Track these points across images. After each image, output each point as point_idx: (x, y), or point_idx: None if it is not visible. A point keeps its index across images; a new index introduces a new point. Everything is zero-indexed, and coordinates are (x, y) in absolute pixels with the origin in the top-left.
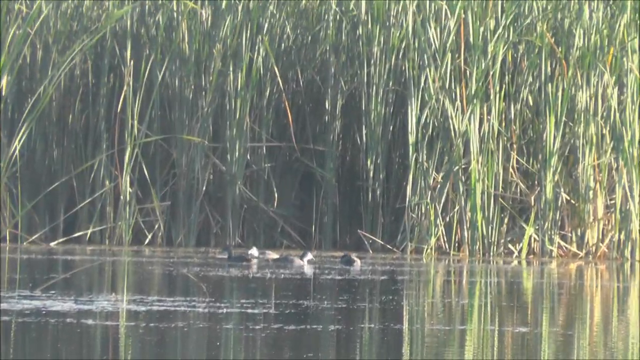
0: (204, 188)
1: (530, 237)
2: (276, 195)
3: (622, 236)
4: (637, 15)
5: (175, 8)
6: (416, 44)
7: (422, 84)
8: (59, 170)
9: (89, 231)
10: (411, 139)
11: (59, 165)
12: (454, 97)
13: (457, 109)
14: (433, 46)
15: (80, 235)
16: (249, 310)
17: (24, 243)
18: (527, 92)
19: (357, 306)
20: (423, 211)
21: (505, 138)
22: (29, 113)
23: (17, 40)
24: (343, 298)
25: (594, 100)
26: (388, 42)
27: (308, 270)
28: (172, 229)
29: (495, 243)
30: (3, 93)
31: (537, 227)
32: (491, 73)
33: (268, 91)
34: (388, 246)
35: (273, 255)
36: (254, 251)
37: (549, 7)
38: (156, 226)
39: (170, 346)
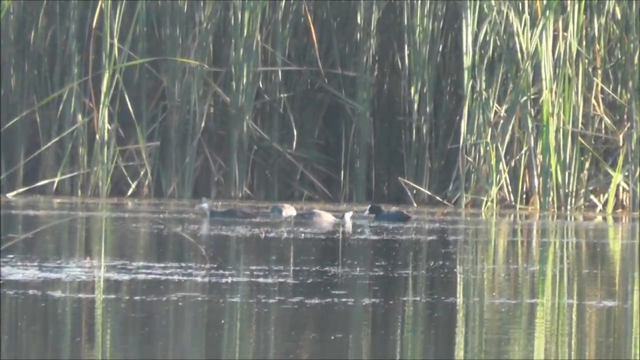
0: (203, 125)
1: (618, 186)
2: (295, 133)
3: None
4: None
5: None
6: None
7: None
8: (17, 102)
9: (56, 179)
10: (466, 61)
11: (17, 96)
12: (520, 8)
13: (524, 24)
14: None
15: (45, 185)
16: (261, 280)
17: None
18: (614, 2)
19: (398, 274)
20: (481, 153)
21: (586, 61)
22: None
23: None
24: (380, 264)
25: None
26: None
27: (349, 227)
28: (162, 177)
29: (574, 194)
30: None
31: (626, 174)
32: None
33: (284, 1)
34: (437, 198)
35: (289, 210)
36: (204, 204)
37: None
38: (142, 173)
39: (160, 326)
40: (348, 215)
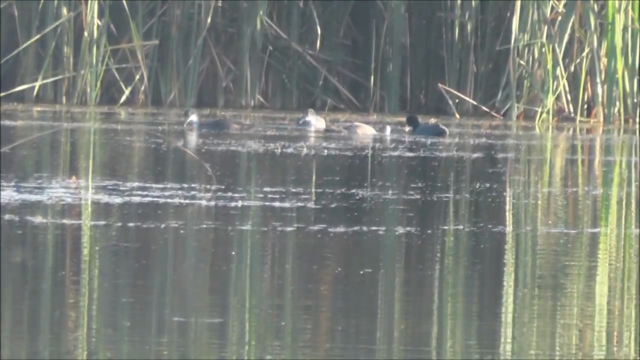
0: (209, 20)
1: None
2: (317, 31)
3: None
4: None
5: None
6: None
7: None
8: None
9: (37, 84)
10: None
11: None
12: None
13: None
14: None
15: (24, 90)
16: (277, 204)
17: None
18: None
19: (437, 198)
20: (536, 56)
21: None
22: None
23: None
24: (416, 186)
25: None
26: None
27: (388, 141)
28: (161, 82)
29: None
30: None
31: None
32: None
33: None
34: (483, 108)
35: (318, 120)
36: (192, 116)
37: None
38: (137, 77)
39: (158, 257)
40: (389, 129)
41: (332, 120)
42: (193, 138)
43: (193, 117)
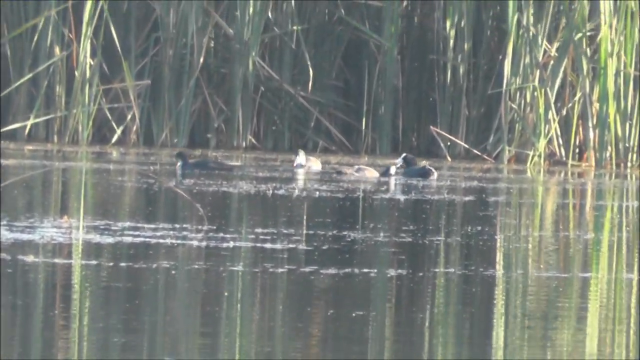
0: (201, 61)
1: None
2: (310, 73)
3: None
4: None
5: None
6: None
7: None
8: None
9: (29, 123)
10: None
11: None
12: None
13: None
14: None
15: (15, 129)
16: (268, 245)
17: None
18: None
19: (429, 241)
20: (528, 100)
21: None
22: None
23: None
24: (408, 228)
25: None
26: None
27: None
28: (154, 122)
29: (636, 149)
30: None
31: None
32: None
33: None
34: (475, 151)
35: (315, 163)
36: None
37: None
38: (129, 117)
39: (149, 298)
40: (393, 169)
41: (324, 162)
42: (176, 178)
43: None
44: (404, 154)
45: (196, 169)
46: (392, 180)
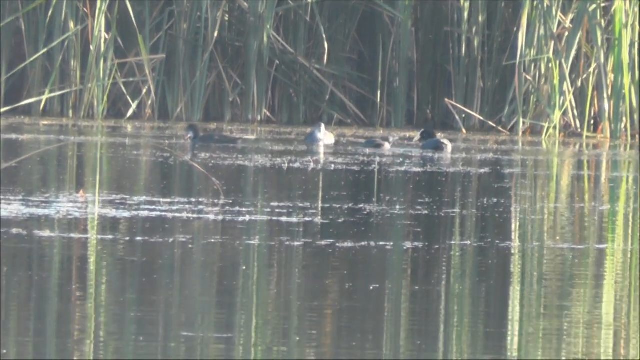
0: (216, 34)
1: None
2: (325, 46)
3: None
4: None
5: None
6: None
7: None
8: None
9: (44, 98)
10: None
11: None
12: None
13: None
14: None
15: (31, 104)
16: (284, 219)
17: None
18: None
19: (444, 213)
20: (543, 72)
21: None
22: None
23: None
24: (423, 201)
25: None
26: None
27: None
28: (168, 96)
29: None
30: None
31: None
32: None
33: None
34: (490, 123)
35: (327, 135)
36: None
37: None
38: (144, 91)
39: (165, 272)
40: (388, 143)
41: (340, 135)
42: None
43: (191, 134)
44: (422, 129)
45: (204, 142)
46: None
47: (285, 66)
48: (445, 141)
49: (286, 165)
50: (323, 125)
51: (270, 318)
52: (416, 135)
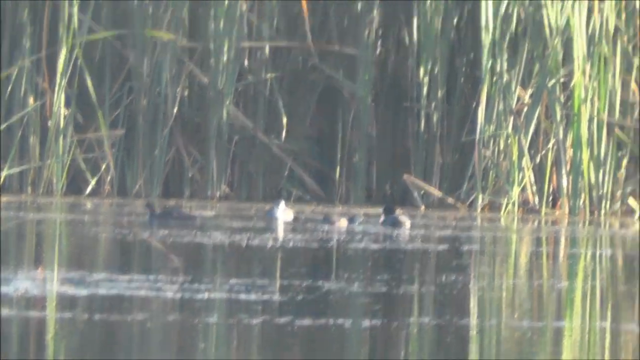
0: (175, 110)
1: None
2: (283, 121)
3: None
4: None
5: None
6: None
7: None
8: None
9: (3, 174)
10: (485, 38)
11: None
12: None
13: None
14: None
15: None
16: (242, 296)
17: None
18: None
19: (403, 290)
20: (501, 147)
21: (625, 38)
22: None
23: None
24: (382, 278)
25: None
26: None
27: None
28: (128, 172)
29: (609, 196)
30: None
31: None
32: None
33: None
34: (449, 200)
35: (287, 213)
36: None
37: None
38: (103, 167)
39: (124, 351)
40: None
41: (298, 212)
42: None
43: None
44: (385, 205)
45: (161, 220)
46: (360, 229)
47: (244, 142)
48: (404, 217)
49: (245, 242)
50: (283, 202)
51: None
52: (381, 216)
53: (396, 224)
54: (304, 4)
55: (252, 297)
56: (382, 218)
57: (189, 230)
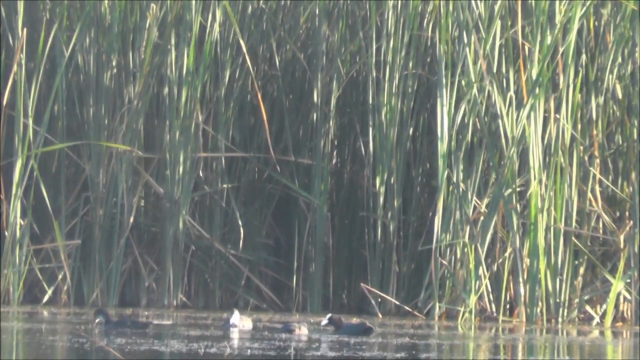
0: (132, 220)
1: (619, 295)
2: (241, 231)
3: None
4: None
5: None
6: (450, 8)
7: (459, 66)
8: None
9: None
10: (441, 148)
11: None
12: (505, 85)
13: (509, 104)
14: (476, 11)
15: None
16: None
17: None
18: (614, 79)
19: None
20: (458, 256)
21: (581, 147)
22: None
23: None
24: None
25: None
26: (407, 4)
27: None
28: (84, 281)
29: (567, 304)
30: None
31: (628, 281)
32: (561, 51)
33: (228, 76)
34: (406, 308)
35: (246, 322)
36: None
37: None
38: (60, 277)
39: None
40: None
41: (255, 320)
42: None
43: (99, 319)
44: (329, 315)
45: (115, 328)
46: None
47: (201, 251)
48: (368, 324)
49: (202, 350)
50: (237, 312)
51: None
52: (323, 322)
53: (364, 331)
54: (263, 114)
55: None
56: (324, 322)
57: (147, 337)
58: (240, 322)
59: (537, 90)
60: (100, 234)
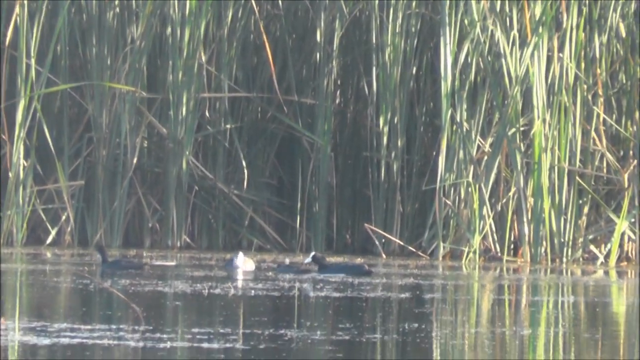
0: (135, 161)
1: (623, 234)
2: (243, 171)
3: None
4: None
5: None
6: None
7: (462, 5)
8: None
9: None
10: (444, 87)
11: None
12: (508, 24)
13: (513, 43)
14: None
15: None
16: (205, 345)
17: None
18: (617, 18)
19: (365, 338)
20: (462, 196)
21: (585, 86)
22: None
23: None
24: (344, 326)
25: None
26: None
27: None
28: (88, 223)
29: (571, 244)
30: None
31: (632, 220)
32: None
33: (230, 15)
34: (410, 248)
35: (246, 262)
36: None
37: None
38: (63, 218)
39: None
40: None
41: (259, 261)
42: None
43: (98, 256)
44: (312, 253)
45: (112, 269)
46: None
47: (204, 192)
48: (367, 267)
49: (206, 291)
50: (241, 254)
51: None
52: (307, 260)
53: (361, 271)
54: (268, 53)
55: (215, 345)
56: (307, 260)
57: (151, 278)
58: (243, 264)
59: (540, 29)
60: (104, 175)
